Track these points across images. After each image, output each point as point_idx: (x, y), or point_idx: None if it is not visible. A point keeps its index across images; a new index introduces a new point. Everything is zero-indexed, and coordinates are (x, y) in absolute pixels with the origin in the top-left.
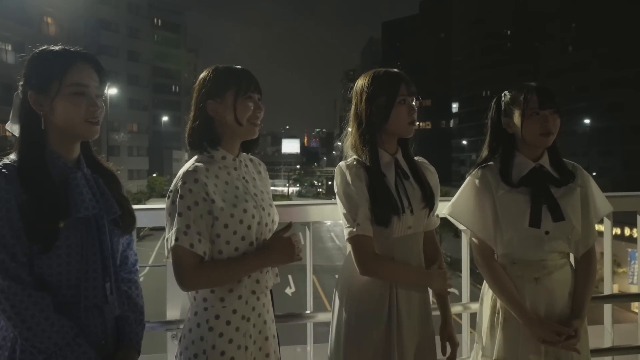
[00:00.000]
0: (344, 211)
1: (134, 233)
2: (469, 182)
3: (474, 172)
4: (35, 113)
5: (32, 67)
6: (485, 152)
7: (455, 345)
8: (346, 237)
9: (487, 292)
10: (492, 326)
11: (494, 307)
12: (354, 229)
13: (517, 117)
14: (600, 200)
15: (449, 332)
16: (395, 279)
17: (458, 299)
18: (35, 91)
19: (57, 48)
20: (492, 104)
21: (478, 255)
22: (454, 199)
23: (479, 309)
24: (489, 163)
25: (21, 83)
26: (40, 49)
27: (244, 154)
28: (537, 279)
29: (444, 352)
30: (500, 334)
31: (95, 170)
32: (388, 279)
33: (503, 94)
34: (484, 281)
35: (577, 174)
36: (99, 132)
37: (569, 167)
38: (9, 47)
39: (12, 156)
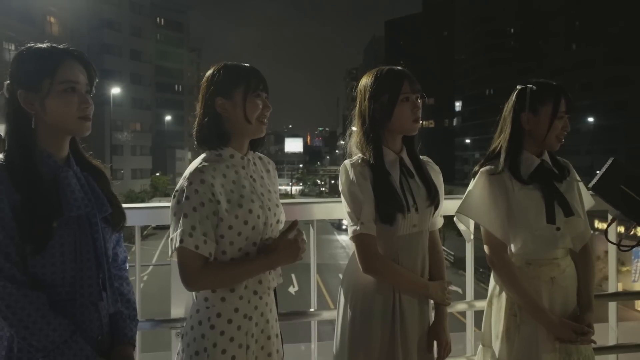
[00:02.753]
0: (348, 210)
1: (138, 230)
2: (482, 179)
3: (485, 170)
4: (25, 112)
5: (20, 65)
6: (499, 145)
7: (442, 345)
8: (350, 235)
9: (497, 296)
10: (508, 330)
11: (510, 309)
12: (358, 228)
13: (544, 117)
14: (586, 194)
15: (438, 331)
16: (396, 283)
17: (462, 297)
18: (25, 89)
19: (44, 46)
20: (513, 96)
21: (494, 257)
22: (466, 197)
23: (487, 311)
24: (494, 160)
25: (7, 82)
26: (26, 46)
27: (253, 152)
28: (553, 279)
29: (429, 350)
30: (518, 337)
31: (84, 168)
32: (389, 280)
33: (529, 89)
34: (493, 285)
35: (570, 168)
36: (90, 128)
37: (561, 162)
38: (12, 47)
39: (0, 156)
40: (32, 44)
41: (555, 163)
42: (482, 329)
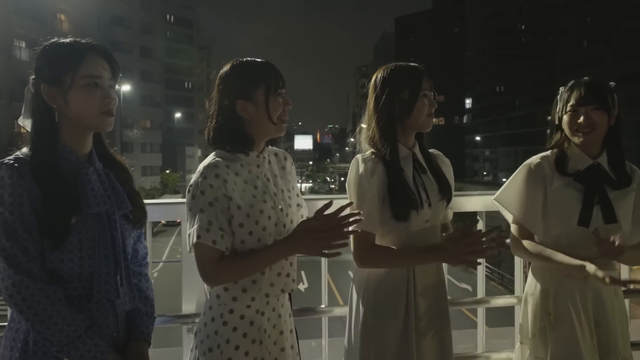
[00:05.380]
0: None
1: (149, 226)
2: (524, 170)
3: (528, 160)
4: (49, 106)
5: (44, 59)
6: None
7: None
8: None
9: (533, 293)
10: (543, 328)
11: (544, 307)
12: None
13: (559, 112)
14: None
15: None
16: (397, 263)
17: (472, 294)
18: (49, 84)
19: (68, 40)
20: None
21: (516, 239)
22: (505, 185)
23: (523, 309)
24: (546, 153)
25: (32, 77)
26: (50, 41)
27: (268, 147)
28: (586, 278)
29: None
30: (552, 335)
31: (107, 164)
32: (388, 264)
33: (562, 87)
34: (529, 282)
35: (635, 177)
36: (113, 124)
37: (627, 169)
38: (23, 44)
39: (25, 150)
40: (55, 39)
41: (617, 168)
42: (519, 327)
